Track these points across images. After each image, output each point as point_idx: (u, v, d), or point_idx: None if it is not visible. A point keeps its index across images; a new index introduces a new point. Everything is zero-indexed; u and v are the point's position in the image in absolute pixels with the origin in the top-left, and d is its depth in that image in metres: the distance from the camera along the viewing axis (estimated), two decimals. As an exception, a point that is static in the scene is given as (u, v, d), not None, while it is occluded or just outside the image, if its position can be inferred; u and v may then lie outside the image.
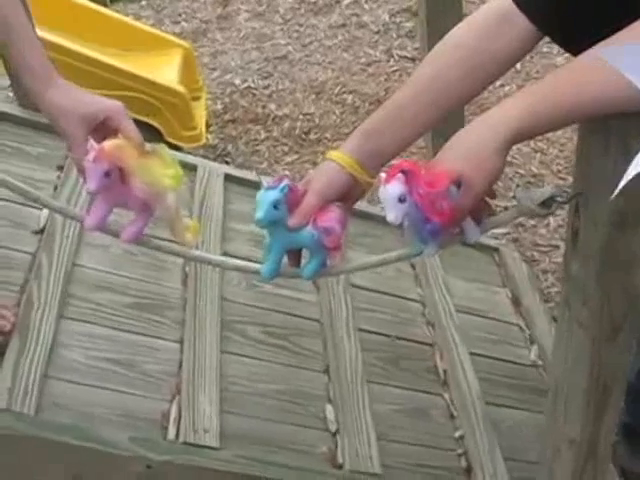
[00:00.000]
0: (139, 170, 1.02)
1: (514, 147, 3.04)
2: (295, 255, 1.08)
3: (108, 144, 1.01)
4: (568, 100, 0.94)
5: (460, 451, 1.70)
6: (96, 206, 1.06)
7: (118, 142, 1.03)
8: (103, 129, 1.07)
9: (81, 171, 1.04)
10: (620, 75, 0.91)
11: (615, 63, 0.90)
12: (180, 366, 1.58)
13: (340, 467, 1.53)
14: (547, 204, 1.02)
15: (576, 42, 0.99)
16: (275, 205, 0.98)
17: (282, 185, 0.99)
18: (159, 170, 1.04)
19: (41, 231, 1.74)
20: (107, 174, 1.01)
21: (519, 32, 1.12)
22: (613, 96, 0.93)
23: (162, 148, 1.08)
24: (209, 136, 3.32)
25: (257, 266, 1.07)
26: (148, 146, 1.07)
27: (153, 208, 1.07)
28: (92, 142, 1.02)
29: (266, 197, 0.98)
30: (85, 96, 1.09)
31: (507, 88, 3.33)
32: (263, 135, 3.40)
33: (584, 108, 0.94)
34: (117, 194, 1.04)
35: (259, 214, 0.98)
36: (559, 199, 1.02)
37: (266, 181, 1.01)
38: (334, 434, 1.60)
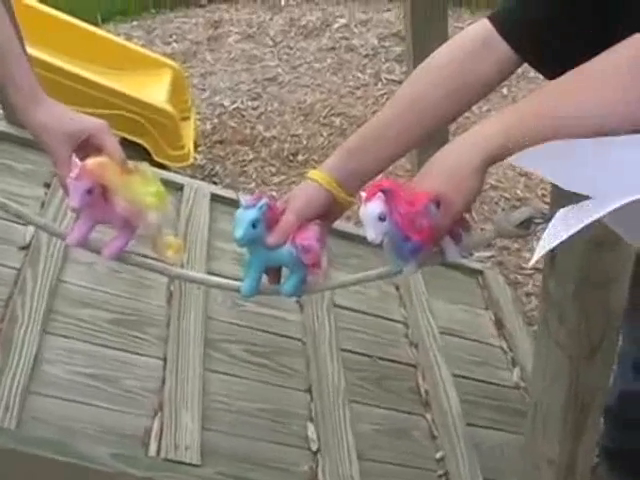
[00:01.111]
0: (121, 188, 1.03)
1: (499, 171, 3.06)
2: (275, 272, 1.08)
3: (91, 162, 1.02)
4: (547, 120, 0.96)
5: (441, 472, 1.70)
6: (78, 223, 1.07)
7: (101, 160, 1.04)
8: (87, 147, 1.08)
9: (64, 188, 1.05)
10: (602, 96, 0.93)
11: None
12: (163, 383, 1.59)
13: (321, 486, 1.54)
14: (525, 225, 1.03)
15: (555, 69, 1.00)
16: (253, 224, 0.99)
17: (260, 204, 1.00)
18: (141, 188, 1.05)
19: (27, 247, 1.74)
20: (89, 191, 1.01)
21: (500, 56, 1.15)
22: (593, 117, 0.94)
23: (145, 166, 1.09)
24: (197, 156, 3.34)
25: (238, 284, 1.08)
26: (131, 164, 1.08)
27: (135, 226, 1.08)
28: (75, 159, 1.03)
29: (244, 216, 0.99)
30: (69, 114, 1.10)
31: (493, 113, 3.36)
32: (251, 156, 3.42)
33: (562, 128, 0.95)
34: (99, 211, 1.05)
35: (237, 233, 0.99)
36: (537, 220, 1.03)
37: (245, 199, 1.02)
38: (315, 453, 1.60)
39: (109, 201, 1.04)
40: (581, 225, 0.80)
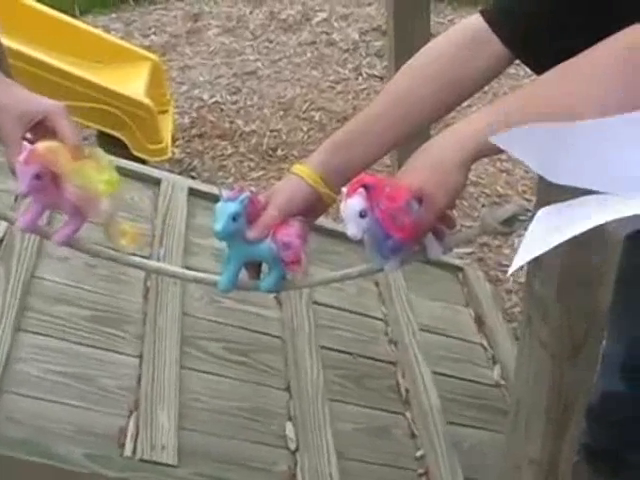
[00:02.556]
0: (72, 174, 1.00)
1: (480, 167, 3.06)
2: (254, 268, 1.06)
3: (41, 146, 0.99)
4: (534, 116, 0.94)
5: (421, 471, 1.68)
6: (29, 207, 1.05)
7: (51, 144, 1.01)
8: (43, 130, 1.05)
9: (13, 172, 1.02)
10: (588, 92, 0.91)
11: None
12: (138, 381, 1.56)
13: (300, 485, 1.52)
14: (510, 222, 1.02)
15: (546, 65, 0.99)
16: (234, 217, 0.96)
17: (242, 197, 0.97)
18: (93, 174, 1.02)
19: (-1, 242, 1.71)
20: (38, 177, 0.99)
21: (492, 52, 1.13)
22: (581, 113, 0.92)
23: (99, 152, 1.06)
24: (175, 150, 3.31)
25: (216, 278, 1.05)
26: (86, 150, 1.05)
27: (86, 213, 1.05)
28: (25, 143, 1.00)
29: (225, 209, 0.97)
30: (25, 94, 1.07)
31: (474, 109, 3.35)
32: (230, 150, 3.40)
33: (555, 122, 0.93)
34: (49, 197, 1.03)
35: (217, 226, 0.96)
36: (521, 217, 1.02)
37: (225, 192, 0.99)
38: (294, 452, 1.58)
39: (59, 187, 1.01)
40: (560, 240, 0.78)
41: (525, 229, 0.99)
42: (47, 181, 1.00)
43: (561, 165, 0.84)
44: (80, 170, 1.01)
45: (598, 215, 0.76)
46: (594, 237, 1.01)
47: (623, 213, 0.76)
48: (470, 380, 1.98)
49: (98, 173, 1.02)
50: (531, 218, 1.02)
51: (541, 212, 0.84)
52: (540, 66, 1.04)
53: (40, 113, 1.04)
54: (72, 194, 1.00)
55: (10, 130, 1.03)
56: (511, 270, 0.82)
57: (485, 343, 2.13)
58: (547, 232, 0.80)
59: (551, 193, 0.99)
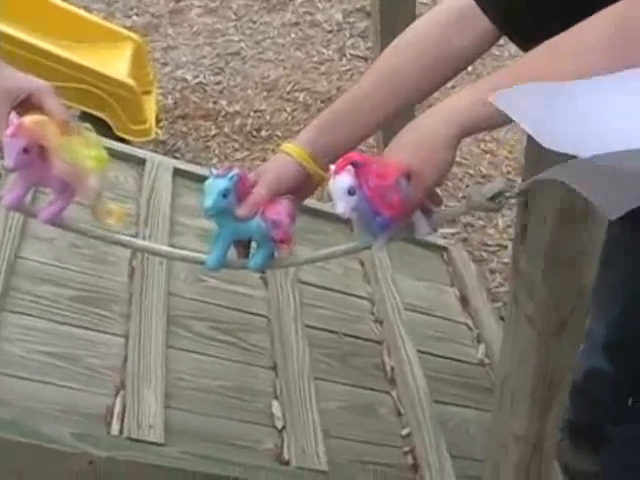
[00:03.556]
0: (60, 149, 0.99)
1: (464, 148, 3.07)
2: (243, 246, 1.06)
3: (28, 119, 0.98)
4: None
5: (407, 448, 1.69)
6: (14, 184, 1.03)
7: (39, 118, 0.99)
8: (28, 108, 1.04)
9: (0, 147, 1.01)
10: (576, 69, 0.91)
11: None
12: (125, 360, 1.56)
13: (286, 464, 1.52)
14: (496, 199, 1.02)
15: (533, 42, 0.99)
16: (224, 194, 0.96)
17: (232, 174, 0.97)
18: (82, 150, 1.01)
19: (-18, 223, 1.70)
20: (25, 151, 0.97)
21: (478, 29, 1.13)
22: None
23: (87, 129, 1.05)
24: (159, 131, 3.29)
25: (203, 256, 1.05)
26: (74, 125, 1.04)
27: (74, 189, 1.04)
28: (12, 117, 0.99)
29: (215, 185, 0.96)
30: (11, 71, 1.05)
31: (458, 89, 3.35)
32: (214, 131, 3.38)
33: None
34: (36, 172, 1.01)
35: (207, 202, 0.96)
36: (508, 194, 1.02)
37: (215, 169, 0.99)
38: (280, 430, 1.59)
39: (47, 162, 0.99)
40: None
41: (511, 209, 1.00)
42: (35, 156, 0.98)
43: (556, 131, 0.84)
44: (68, 145, 1.00)
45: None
46: (580, 214, 1.02)
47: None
48: (455, 359, 1.99)
49: (86, 149, 1.01)
50: (517, 195, 1.03)
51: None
52: (527, 42, 1.04)
53: (26, 90, 1.03)
54: (60, 170, 0.99)
55: None
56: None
57: (470, 322, 2.14)
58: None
59: (538, 170, 1.00)
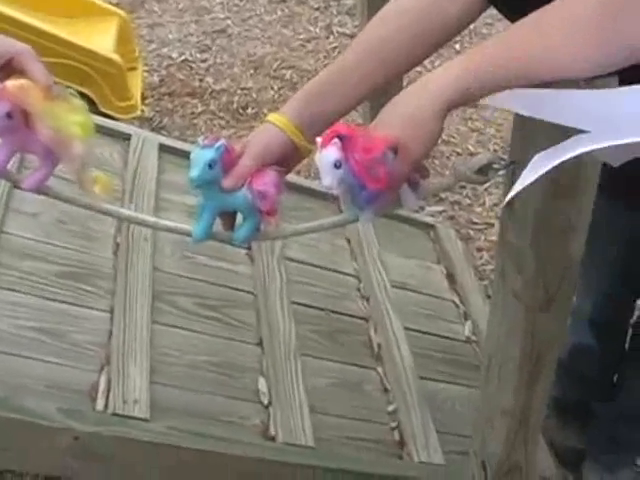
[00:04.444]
0: (44, 114, 0.96)
1: (452, 127, 3.05)
2: (229, 218, 1.05)
3: (11, 83, 0.95)
4: (512, 63, 0.93)
5: (393, 424, 1.70)
6: None
7: (22, 82, 0.96)
8: (11, 72, 1.01)
9: None
10: (563, 43, 0.91)
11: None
12: (110, 336, 1.55)
13: (273, 439, 1.52)
14: (484, 171, 1.01)
15: (521, 12, 0.98)
16: (210, 164, 0.95)
17: (218, 144, 0.96)
18: (67, 116, 0.98)
19: (-34, 198, 1.68)
20: (9, 116, 0.94)
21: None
22: (555, 64, 0.92)
23: (72, 95, 1.03)
24: (145, 108, 3.26)
25: (189, 228, 1.04)
26: (58, 90, 1.02)
27: (58, 156, 1.01)
28: None
29: (201, 156, 0.95)
30: None
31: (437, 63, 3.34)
32: (200, 109, 3.36)
33: (532, 71, 0.93)
34: (20, 138, 0.98)
35: (193, 173, 0.95)
36: (495, 166, 1.02)
37: (202, 140, 0.98)
38: (267, 406, 1.58)
39: (31, 128, 0.97)
40: (561, 159, 0.78)
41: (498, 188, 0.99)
42: (18, 121, 0.96)
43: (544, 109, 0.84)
44: (53, 110, 0.97)
45: (591, 143, 0.77)
46: (568, 187, 1.02)
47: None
48: (442, 336, 1.99)
49: (71, 115, 0.99)
50: (504, 167, 1.02)
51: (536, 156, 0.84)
52: (514, 13, 1.03)
53: (8, 53, 1.00)
54: (45, 135, 0.97)
55: None
56: (511, 194, 0.83)
57: (456, 300, 2.14)
58: (543, 159, 0.81)
59: (526, 147, 1.00)
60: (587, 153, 0.80)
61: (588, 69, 0.89)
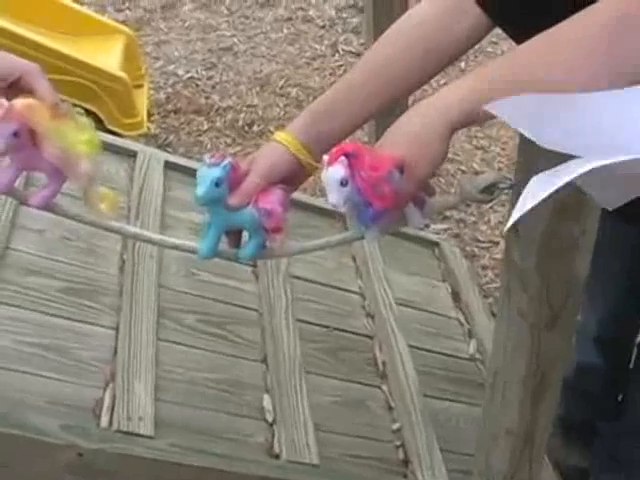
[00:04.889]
0: (51, 133, 0.97)
1: (457, 144, 3.06)
2: (235, 236, 1.06)
3: (19, 103, 0.96)
4: (518, 85, 0.93)
5: (398, 443, 1.69)
6: (5, 168, 1.01)
7: (30, 101, 0.97)
8: (18, 91, 1.02)
9: None
10: (573, 62, 0.91)
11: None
12: (114, 353, 1.55)
13: (277, 457, 1.51)
14: (489, 190, 1.02)
15: (526, 35, 0.98)
16: (217, 182, 0.95)
17: (225, 163, 0.96)
18: (73, 135, 0.99)
19: (-28, 214, 1.69)
20: (16, 134, 0.95)
21: (471, 19, 1.13)
22: (564, 83, 0.92)
23: (79, 113, 1.04)
24: (151, 126, 3.28)
25: (195, 245, 1.05)
26: (65, 108, 1.03)
27: (65, 174, 1.02)
28: (1, 100, 0.98)
29: (208, 174, 0.96)
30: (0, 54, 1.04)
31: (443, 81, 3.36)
32: (206, 126, 3.37)
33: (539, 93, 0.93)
34: (27, 157, 0.99)
35: (200, 191, 0.95)
36: (501, 185, 1.02)
37: (208, 158, 0.98)
38: (271, 424, 1.58)
39: (38, 146, 0.98)
40: (558, 185, 0.78)
41: (507, 196, 0.99)
42: (25, 140, 0.97)
43: (550, 132, 0.84)
44: (60, 129, 0.98)
45: (588, 163, 0.77)
46: (573, 206, 1.02)
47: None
48: (446, 354, 1.99)
49: (78, 133, 1.00)
50: (510, 187, 1.03)
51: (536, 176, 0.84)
52: (519, 34, 1.04)
53: (16, 71, 1.01)
54: (52, 154, 0.98)
55: None
56: (511, 221, 0.83)
57: (461, 318, 2.14)
58: (541, 183, 0.80)
59: (531, 166, 1.00)
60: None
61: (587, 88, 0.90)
